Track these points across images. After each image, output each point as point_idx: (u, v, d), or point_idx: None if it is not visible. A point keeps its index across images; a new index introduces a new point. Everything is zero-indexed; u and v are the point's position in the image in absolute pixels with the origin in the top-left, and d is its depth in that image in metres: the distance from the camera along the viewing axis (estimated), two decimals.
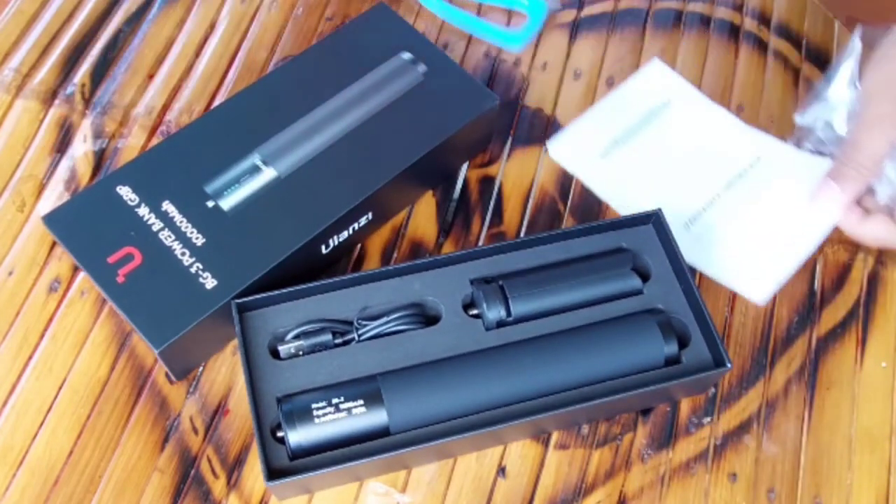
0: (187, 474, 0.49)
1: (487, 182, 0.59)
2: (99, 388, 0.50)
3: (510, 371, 0.47)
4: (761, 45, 0.66)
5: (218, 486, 0.48)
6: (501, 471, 0.50)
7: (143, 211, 0.50)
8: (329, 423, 0.45)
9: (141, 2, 0.65)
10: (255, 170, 0.52)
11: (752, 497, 0.50)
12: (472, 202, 0.58)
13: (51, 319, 0.52)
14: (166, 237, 0.49)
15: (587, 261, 0.51)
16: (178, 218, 0.50)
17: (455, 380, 0.47)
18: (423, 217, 0.57)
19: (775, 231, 0.56)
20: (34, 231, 0.55)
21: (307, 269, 0.52)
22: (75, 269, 0.54)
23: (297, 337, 0.48)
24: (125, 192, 0.51)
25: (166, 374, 0.51)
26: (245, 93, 0.55)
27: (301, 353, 0.48)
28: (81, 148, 0.58)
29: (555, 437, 0.51)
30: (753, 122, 0.62)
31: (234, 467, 0.49)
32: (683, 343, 0.49)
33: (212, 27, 0.64)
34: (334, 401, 0.45)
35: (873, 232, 0.55)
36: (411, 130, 0.54)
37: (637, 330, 0.49)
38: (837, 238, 0.58)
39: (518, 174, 0.59)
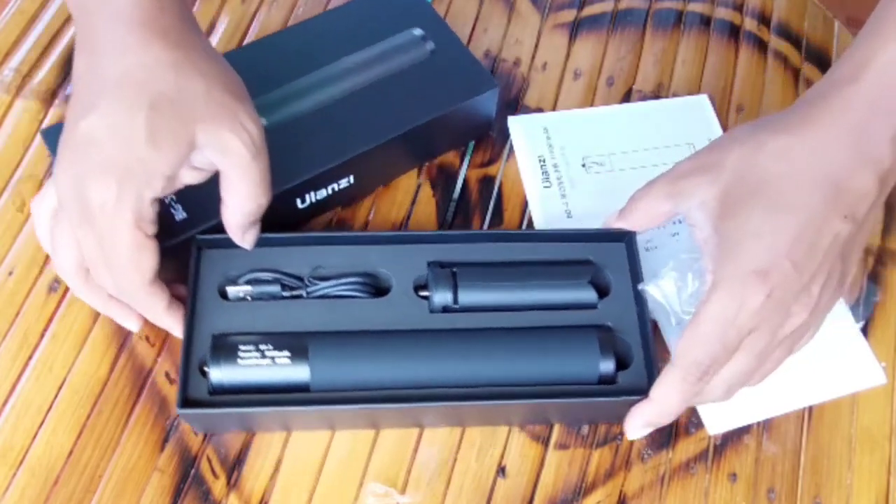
0: (187, 474, 0.49)
1: (487, 182, 0.59)
2: (99, 388, 0.50)
3: (440, 356, 0.47)
4: (761, 45, 0.66)
5: (218, 486, 0.48)
6: (501, 470, 0.50)
7: None
8: (252, 368, 0.46)
9: None
10: None
11: (752, 497, 0.50)
12: (472, 202, 0.58)
13: (51, 319, 0.52)
14: None
15: (547, 266, 0.51)
16: None
17: (383, 353, 0.47)
18: (423, 217, 0.57)
19: (777, 372, 0.50)
20: (34, 231, 0.55)
21: (282, 220, 0.53)
22: None
23: (247, 282, 0.49)
24: None
25: (166, 374, 0.51)
26: (255, 45, 0.58)
27: (249, 298, 0.49)
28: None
29: (555, 436, 0.51)
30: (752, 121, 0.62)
31: (234, 467, 0.49)
32: (625, 364, 0.49)
33: (212, 27, 0.64)
34: (262, 347, 0.46)
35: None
36: (406, 103, 0.55)
37: (576, 341, 0.48)
38: None
39: (518, 174, 0.59)
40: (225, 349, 0.46)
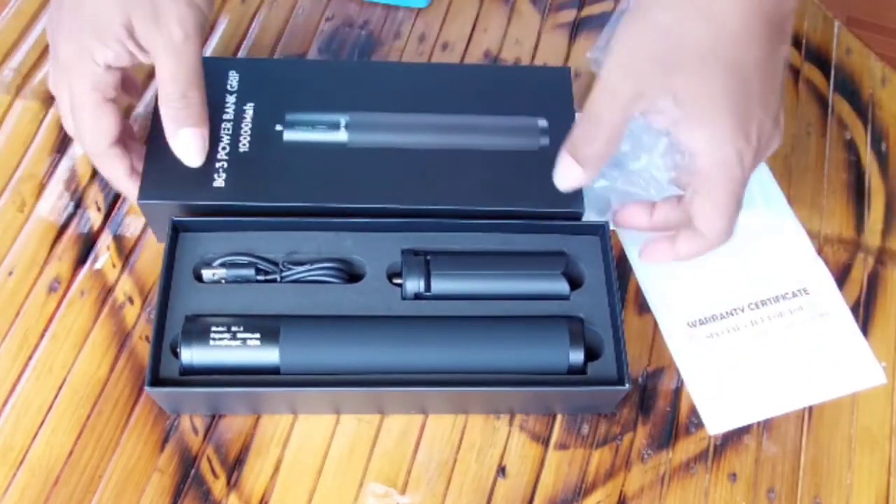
0: (187, 474, 0.49)
1: None
2: (99, 388, 0.50)
3: (410, 343, 0.48)
4: None
5: (218, 486, 0.48)
6: (501, 471, 0.50)
7: (231, 100, 0.54)
8: (222, 349, 0.47)
9: None
10: (333, 126, 0.54)
11: (752, 497, 0.50)
12: None
13: (51, 319, 0.52)
14: (225, 128, 0.53)
15: (520, 256, 0.52)
16: (247, 121, 0.53)
17: (353, 339, 0.48)
18: None
19: (777, 372, 0.52)
20: (34, 231, 0.55)
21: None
22: (75, 269, 0.54)
23: (222, 265, 0.50)
24: (233, 78, 0.55)
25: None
26: (391, 66, 0.59)
27: (223, 281, 0.50)
28: (81, 148, 0.58)
29: (555, 436, 0.51)
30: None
31: (234, 467, 0.49)
32: (595, 355, 0.49)
33: (212, 27, 0.64)
34: (233, 329, 0.47)
35: (664, 218, 0.50)
36: (487, 184, 0.52)
37: (546, 331, 0.49)
38: (837, 238, 0.58)
39: None
40: (197, 330, 0.47)
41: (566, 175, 0.48)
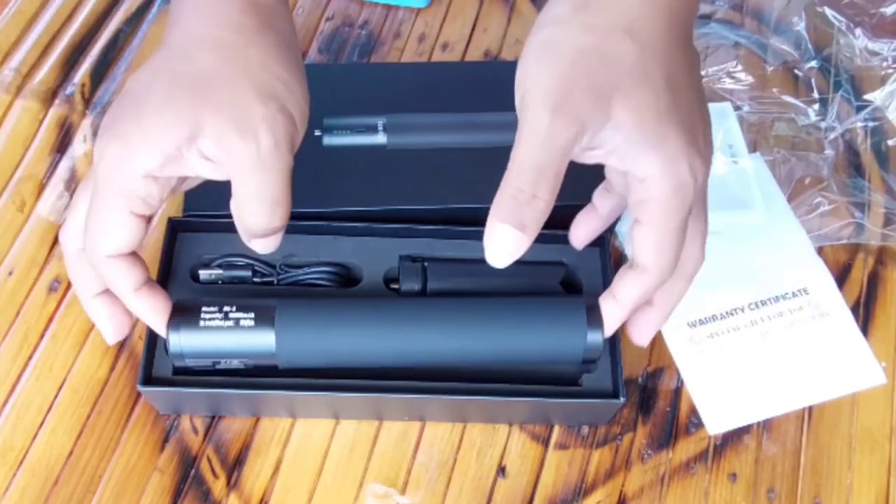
0: (187, 474, 0.49)
1: None
2: (99, 388, 0.51)
3: (414, 327, 0.45)
4: (761, 45, 0.66)
5: (218, 486, 0.48)
6: (501, 471, 0.50)
7: None
8: (214, 330, 0.43)
9: (141, 2, 0.65)
10: (372, 129, 0.52)
11: (752, 497, 0.50)
12: None
13: (51, 319, 0.52)
14: None
15: (518, 265, 0.50)
16: None
17: (355, 321, 0.44)
18: None
19: (777, 372, 0.53)
20: (34, 231, 0.55)
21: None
22: None
23: (219, 266, 0.50)
24: None
25: None
26: (425, 66, 0.59)
27: (220, 282, 0.50)
28: (81, 148, 0.58)
29: (555, 436, 0.51)
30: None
31: (234, 467, 0.49)
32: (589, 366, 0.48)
33: None
34: (225, 308, 0.43)
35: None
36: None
37: (563, 310, 0.45)
38: (837, 238, 0.58)
39: None
40: (187, 310, 0.43)
41: (508, 246, 0.39)
